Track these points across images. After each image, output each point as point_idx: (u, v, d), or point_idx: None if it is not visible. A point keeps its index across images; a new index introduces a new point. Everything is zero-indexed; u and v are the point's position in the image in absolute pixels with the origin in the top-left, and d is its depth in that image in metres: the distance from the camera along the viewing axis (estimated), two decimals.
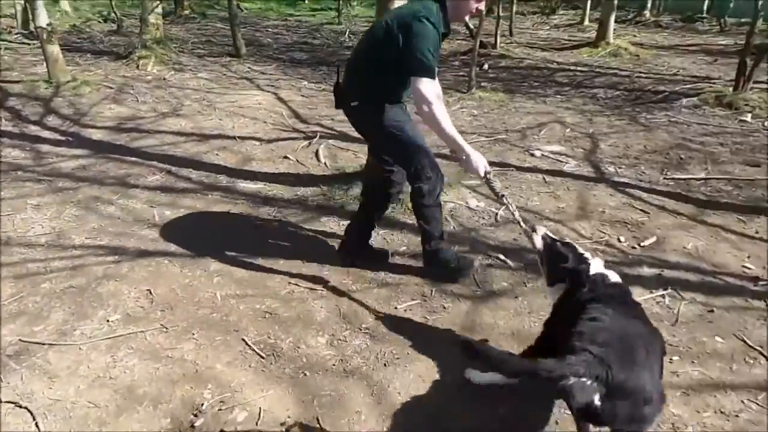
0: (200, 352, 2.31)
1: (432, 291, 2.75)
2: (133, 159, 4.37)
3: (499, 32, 9.30)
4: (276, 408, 2.04)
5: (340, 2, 13.17)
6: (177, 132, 5.06)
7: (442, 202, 2.80)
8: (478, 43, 6.86)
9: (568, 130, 5.28)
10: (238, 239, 3.21)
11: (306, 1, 15.88)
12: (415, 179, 2.64)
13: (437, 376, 2.20)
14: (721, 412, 2.04)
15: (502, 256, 3.04)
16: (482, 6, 2.60)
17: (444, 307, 2.63)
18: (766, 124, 5.55)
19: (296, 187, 3.91)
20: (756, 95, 6.09)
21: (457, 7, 2.51)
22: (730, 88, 6.21)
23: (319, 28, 11.99)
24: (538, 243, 2.11)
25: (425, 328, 2.48)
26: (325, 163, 4.36)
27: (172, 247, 3.11)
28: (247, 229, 3.35)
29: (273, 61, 8.41)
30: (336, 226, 3.38)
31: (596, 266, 1.97)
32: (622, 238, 3.27)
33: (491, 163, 4.34)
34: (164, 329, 2.45)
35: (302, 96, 6.47)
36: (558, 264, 1.99)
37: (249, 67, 7.85)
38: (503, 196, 2.44)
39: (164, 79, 6.95)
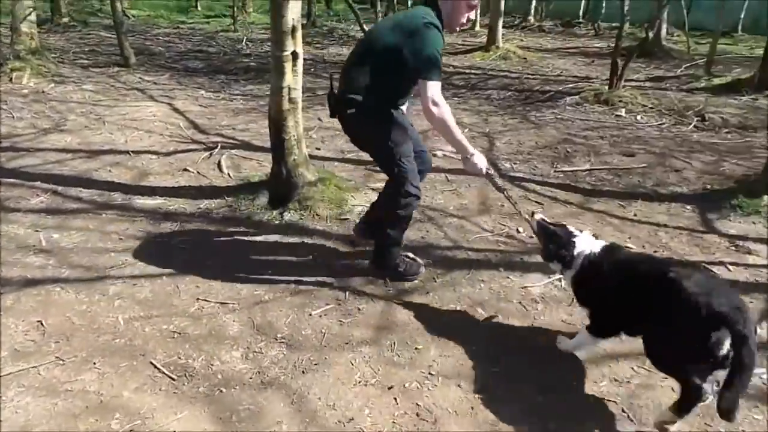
0: (104, 382, 2.17)
1: (346, 294, 2.77)
2: (12, 180, 3.99)
3: None
4: (192, 429, 1.96)
5: (235, 9, 12.87)
6: (62, 149, 4.69)
7: (413, 217, 2.90)
8: None
9: (466, 130, 5.52)
10: (139, 258, 3.04)
11: (199, 8, 15.34)
12: (396, 188, 2.69)
13: (357, 378, 2.22)
14: (615, 380, 2.24)
15: (411, 255, 3.12)
16: (472, 15, 2.73)
17: (359, 309, 2.66)
18: (637, 117, 6.16)
19: (199, 200, 3.77)
20: (627, 92, 6.73)
21: (450, 17, 2.62)
22: (606, 87, 6.82)
23: (215, 35, 11.64)
24: (536, 226, 2.42)
25: (342, 332, 2.50)
26: (228, 174, 4.25)
27: (64, 273, 2.88)
28: (149, 247, 3.18)
29: (166, 71, 8.05)
30: (244, 237, 3.30)
31: (586, 242, 2.24)
32: (520, 229, 3.48)
33: None
34: (60, 361, 2.26)
35: (200, 106, 6.25)
36: (549, 245, 2.31)
37: (140, 78, 7.45)
38: (504, 189, 2.75)
39: (43, 92, 6.42)
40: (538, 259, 3.11)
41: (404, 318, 2.61)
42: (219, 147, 4.78)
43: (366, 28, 8.62)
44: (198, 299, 2.69)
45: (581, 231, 2.34)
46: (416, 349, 2.40)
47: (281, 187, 3.65)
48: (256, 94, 6.92)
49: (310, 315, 2.60)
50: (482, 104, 6.65)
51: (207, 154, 4.65)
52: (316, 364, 2.28)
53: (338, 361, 2.31)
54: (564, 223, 2.46)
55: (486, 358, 2.35)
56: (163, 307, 2.63)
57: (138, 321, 2.53)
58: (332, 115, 2.77)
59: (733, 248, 3.29)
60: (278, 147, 3.65)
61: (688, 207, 3.84)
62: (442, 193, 4.00)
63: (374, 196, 3.80)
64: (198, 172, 4.27)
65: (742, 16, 13.39)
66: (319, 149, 4.86)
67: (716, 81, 7.79)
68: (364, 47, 2.71)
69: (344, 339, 2.45)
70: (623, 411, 2.09)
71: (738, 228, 3.54)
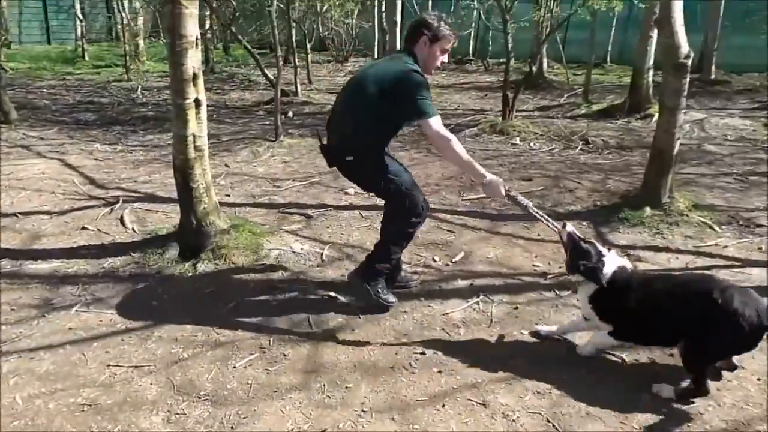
0: None
1: (270, 341, 2.70)
2: None
3: (298, 80, 9.65)
4: None
5: (128, 58, 12.43)
6: None
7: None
8: (279, 92, 7.02)
9: None
10: (36, 329, 2.78)
11: (86, 58, 14.63)
12: (408, 216, 2.85)
13: (289, 426, 2.15)
14: (538, 392, 2.35)
15: (333, 293, 3.12)
16: (445, 59, 2.89)
17: (284, 355, 2.60)
18: (531, 144, 6.63)
19: (102, 259, 3.54)
20: (520, 122, 7.24)
21: (426, 63, 2.80)
22: (500, 118, 7.30)
23: (106, 85, 11.13)
24: (566, 238, 2.53)
25: (269, 380, 2.42)
26: (133, 229, 4.04)
27: None
28: (47, 315, 2.92)
29: (53, 125, 7.56)
30: (155, 293, 3.14)
31: (612, 261, 2.43)
32: (436, 258, 3.60)
33: (309, 206, 4.50)
34: None
35: (96, 159, 5.92)
36: (577, 259, 2.45)
37: (24, 134, 6.93)
38: (528, 206, 2.77)
39: None
40: (456, 285, 3.24)
41: (331, 358, 2.59)
42: (120, 201, 4.54)
43: (267, 73, 8.67)
44: (109, 366, 2.50)
45: (608, 249, 2.54)
46: (347, 388, 2.38)
47: (192, 237, 3.52)
48: (157, 143, 6.68)
49: (234, 367, 2.50)
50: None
51: (107, 209, 4.40)
52: (244, 418, 2.19)
53: (268, 411, 2.23)
54: (592, 240, 2.65)
55: (416, 388, 2.37)
56: (68, 379, 2.42)
57: (39, 398, 2.30)
58: (330, 166, 2.92)
59: (625, 257, 3.60)
60: (186, 196, 3.54)
61: (584, 223, 4.16)
62: (358, 230, 4.05)
63: (289, 239, 3.78)
64: (99, 230, 4.02)
65: (609, 48, 14.97)
66: (228, 196, 4.76)
67: (594, 107, 8.60)
68: (351, 97, 2.82)
69: (272, 387, 2.38)
70: (548, 421, 2.19)
71: (627, 238, 3.89)
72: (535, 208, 2.81)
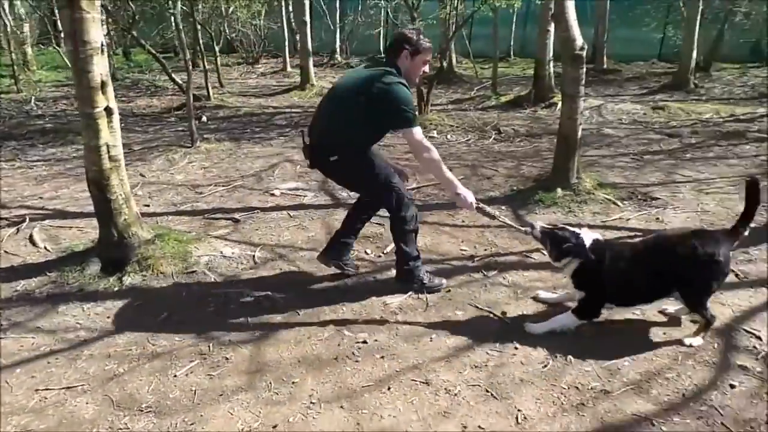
0: None
1: (210, 347, 2.66)
2: None
3: (209, 84, 9.39)
4: None
5: (16, 68, 11.50)
6: None
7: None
8: (191, 97, 6.81)
9: (298, 167, 5.66)
10: None
11: None
12: (398, 209, 2.98)
13: (239, 426, 2.15)
14: (476, 366, 2.50)
15: (270, 293, 3.12)
16: (427, 69, 3.01)
17: (227, 359, 2.58)
18: (448, 137, 6.88)
19: (14, 282, 3.31)
20: (435, 115, 7.50)
21: (409, 73, 2.93)
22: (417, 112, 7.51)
23: None
24: (539, 236, 2.73)
25: (213, 385, 2.40)
26: (45, 248, 3.79)
27: None
28: None
29: None
30: (79, 311, 2.99)
31: (588, 236, 2.66)
32: (368, 251, 3.68)
33: (235, 210, 4.44)
34: None
35: None
36: (560, 245, 2.65)
37: None
38: (497, 216, 2.96)
39: None
40: (390, 274, 3.34)
41: (275, 356, 2.60)
42: (27, 220, 4.24)
43: (176, 77, 8.36)
44: (37, 390, 2.37)
45: (580, 228, 2.77)
46: (293, 383, 2.41)
47: (114, 250, 3.38)
48: (60, 157, 6.28)
49: (175, 376, 2.45)
50: None
51: (13, 230, 4.10)
52: (192, 424, 2.17)
53: (215, 414, 2.22)
54: (563, 225, 2.83)
55: (361, 376, 2.45)
56: None
57: None
58: (311, 166, 3.04)
59: None
60: (104, 209, 3.39)
61: (503, 207, 4.41)
62: (288, 230, 4.06)
63: (218, 244, 3.72)
64: (6, 252, 3.74)
65: (512, 43, 15.76)
66: (148, 206, 4.58)
67: (503, 99, 9.06)
68: (336, 102, 2.93)
69: (217, 391, 2.36)
70: (487, 391, 2.34)
71: (543, 218, 4.17)
72: (502, 217, 3.05)
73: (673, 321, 2.80)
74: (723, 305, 2.90)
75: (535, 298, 3.04)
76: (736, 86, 10.60)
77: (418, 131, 2.83)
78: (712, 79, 11.33)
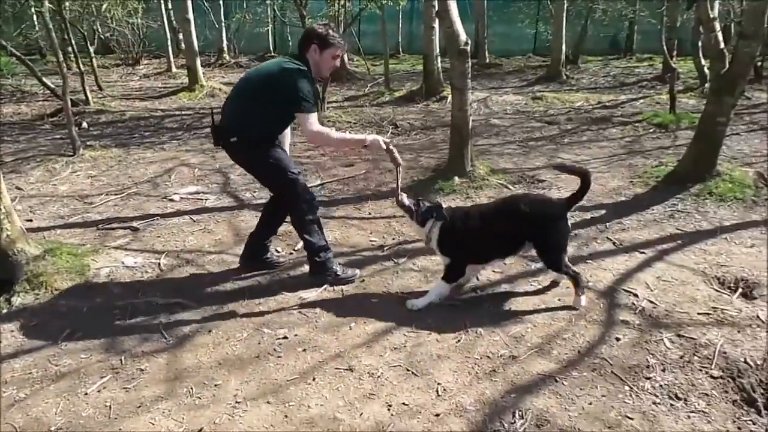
0: None
1: (122, 360, 2.54)
2: None
3: (87, 87, 8.73)
4: None
5: None
6: None
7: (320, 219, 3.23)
8: (68, 102, 6.30)
9: (196, 170, 5.47)
10: None
11: None
12: (296, 202, 3.05)
13: None
14: (395, 348, 2.61)
15: (181, 300, 3.02)
16: (338, 63, 3.14)
17: (141, 370, 2.48)
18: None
19: None
20: (332, 112, 7.57)
21: (318, 67, 3.05)
22: None
23: None
24: (407, 202, 2.97)
25: (130, 398, 2.30)
26: None
27: None
28: None
29: None
30: (13, 338, 2.71)
31: (443, 205, 3.01)
32: (279, 249, 3.67)
33: (133, 218, 4.23)
34: None
35: None
36: (423, 211, 2.93)
37: None
38: (399, 165, 3.09)
39: None
40: (304, 269, 3.37)
41: (193, 362, 2.54)
42: None
43: (47, 81, 7.69)
44: None
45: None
46: (216, 385, 2.38)
47: None
48: None
49: (86, 394, 2.32)
50: (204, 143, 6.64)
51: None
52: None
53: (135, 426, 2.14)
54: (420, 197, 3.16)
55: (285, 370, 2.47)
56: None
57: None
58: (216, 144, 3.11)
59: None
60: None
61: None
62: (193, 234, 3.93)
63: (118, 255, 3.54)
64: None
65: (400, 39, 16.21)
66: (31, 220, 4.21)
67: (396, 94, 9.34)
68: (243, 87, 3.06)
69: (135, 404, 2.27)
70: (407, 370, 2.46)
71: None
72: (400, 170, 3.14)
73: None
74: (604, 270, 3.26)
75: (413, 307, 3.00)
76: (600, 76, 11.76)
77: (313, 118, 2.94)
78: (580, 70, 12.48)
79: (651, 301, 2.93)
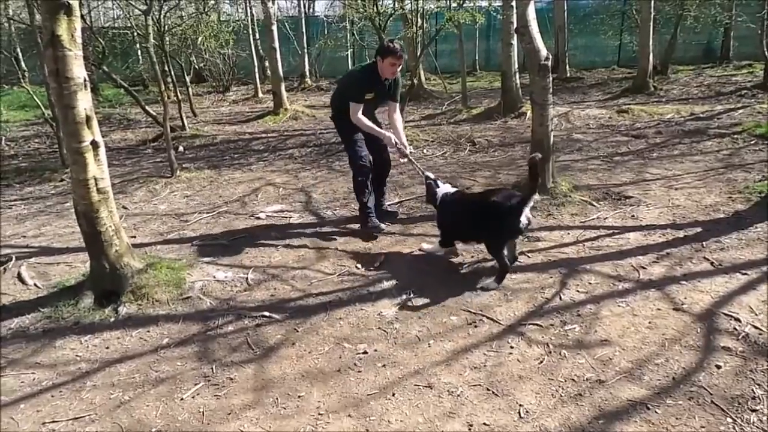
0: None
1: (213, 368, 2.70)
2: None
3: (183, 114, 9.42)
4: None
5: None
6: None
7: (369, 185, 4.24)
8: (168, 128, 6.84)
9: (281, 189, 5.73)
10: None
11: None
12: (353, 163, 4.24)
13: None
14: (475, 367, 2.58)
15: (267, 313, 3.17)
16: (397, 68, 4.06)
17: (231, 379, 2.62)
18: (424, 151, 7.02)
19: (7, 321, 3.29)
20: (410, 131, 7.63)
21: (382, 71, 4.08)
22: None
23: None
24: (428, 183, 3.91)
25: (221, 405, 2.44)
26: (35, 284, 3.78)
27: None
28: None
29: None
30: (77, 344, 2.99)
31: (443, 189, 3.80)
32: (359, 265, 3.76)
33: (223, 235, 4.47)
34: None
35: None
36: (432, 193, 3.86)
37: None
38: (411, 153, 4.35)
39: None
40: (383, 286, 3.42)
41: (278, 373, 2.65)
42: (13, 259, 4.21)
43: (149, 109, 8.37)
44: (44, 423, 2.37)
45: (444, 183, 3.89)
46: (299, 396, 2.46)
47: (108, 282, 3.39)
48: (39, 195, 6.24)
49: (182, 399, 2.48)
50: (288, 163, 6.94)
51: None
52: None
53: None
54: (437, 180, 3.92)
55: (365, 385, 2.51)
56: None
57: None
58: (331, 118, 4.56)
59: (526, 240, 4.01)
60: (94, 241, 3.41)
61: None
62: (277, 250, 4.11)
63: (210, 269, 3.77)
64: None
65: (477, 57, 16.17)
66: (134, 237, 4.59)
67: (473, 111, 9.30)
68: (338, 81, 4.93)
69: (225, 411, 2.39)
70: (488, 389, 2.42)
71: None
72: (414, 160, 4.37)
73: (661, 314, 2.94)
74: (701, 292, 3.06)
75: (420, 249, 3.91)
76: (693, 86, 11.09)
77: (353, 105, 4.09)
78: (670, 81, 11.83)
79: (756, 327, 2.70)
